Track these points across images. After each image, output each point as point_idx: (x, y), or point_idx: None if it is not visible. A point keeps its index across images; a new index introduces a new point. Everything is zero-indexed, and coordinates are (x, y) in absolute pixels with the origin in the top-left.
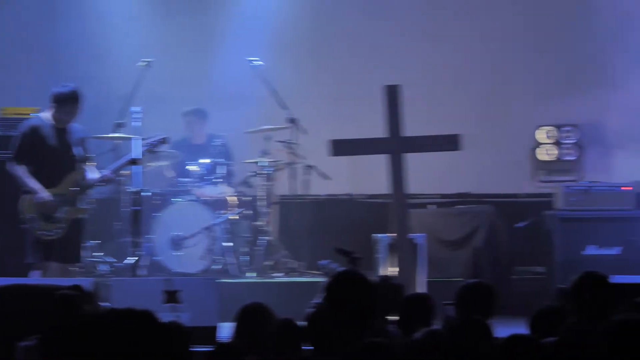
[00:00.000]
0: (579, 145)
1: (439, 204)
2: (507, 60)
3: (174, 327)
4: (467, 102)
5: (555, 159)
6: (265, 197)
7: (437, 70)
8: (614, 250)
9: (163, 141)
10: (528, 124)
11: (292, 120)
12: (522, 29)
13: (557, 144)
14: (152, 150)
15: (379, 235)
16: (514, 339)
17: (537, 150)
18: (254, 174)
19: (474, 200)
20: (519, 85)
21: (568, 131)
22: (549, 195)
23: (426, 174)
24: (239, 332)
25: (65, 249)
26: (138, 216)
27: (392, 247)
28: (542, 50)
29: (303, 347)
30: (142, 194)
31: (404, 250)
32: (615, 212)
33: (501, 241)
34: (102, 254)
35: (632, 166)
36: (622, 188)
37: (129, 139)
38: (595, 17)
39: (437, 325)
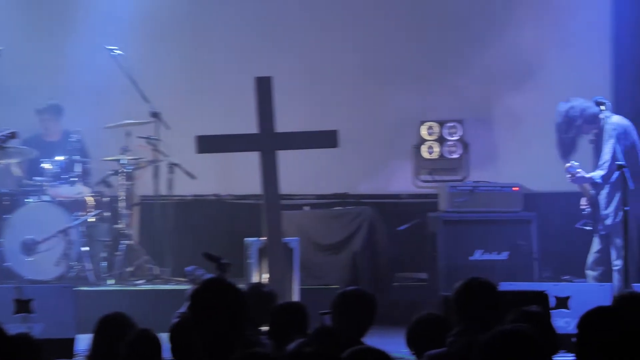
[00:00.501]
0: (463, 143)
1: (315, 206)
2: (391, 53)
3: (22, 340)
4: (346, 96)
5: (438, 156)
6: (125, 198)
7: (315, 63)
8: (502, 255)
9: (11, 136)
10: (412, 120)
11: (155, 115)
12: (405, 20)
13: (441, 140)
14: None
15: (250, 239)
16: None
17: (421, 148)
18: (114, 172)
19: (352, 202)
20: (403, 78)
21: (452, 127)
22: (432, 196)
23: (301, 173)
24: (97, 344)
25: None
26: None
27: (264, 252)
28: (426, 43)
29: None
30: None
31: (276, 255)
32: (502, 214)
33: (381, 245)
34: None
35: (519, 165)
36: (511, 188)
37: None
38: (479, 11)
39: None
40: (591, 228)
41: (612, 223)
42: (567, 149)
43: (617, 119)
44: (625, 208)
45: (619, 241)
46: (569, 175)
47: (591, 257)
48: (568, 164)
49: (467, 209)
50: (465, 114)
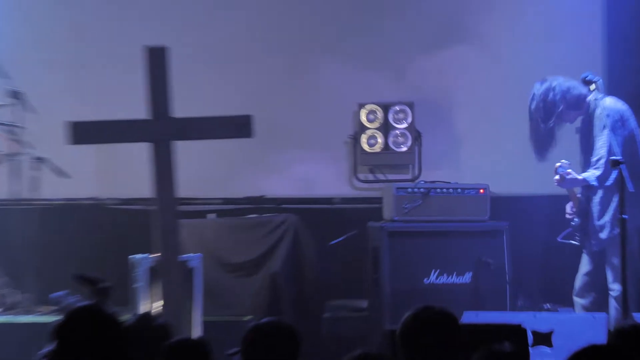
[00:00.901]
0: (414, 132)
1: (223, 213)
2: (321, 22)
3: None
4: (265, 76)
5: (382, 149)
6: None
7: (227, 37)
8: (464, 278)
9: None
10: (348, 104)
11: (16, 95)
12: None
13: (385, 129)
14: None
15: (137, 255)
16: None
17: (361, 139)
18: None
19: (271, 208)
20: (337, 52)
21: (399, 112)
22: (374, 200)
23: (205, 171)
24: None
25: None
26: None
27: (156, 273)
28: (366, 11)
29: None
30: None
31: (172, 277)
32: (465, 224)
33: (309, 264)
34: None
35: (486, 161)
36: (476, 191)
37: None
38: None
39: None
40: (579, 243)
41: (608, 237)
42: (544, 143)
43: (611, 102)
44: (623, 217)
45: (616, 260)
46: (558, 178)
47: (580, 280)
48: (558, 164)
49: (420, 217)
50: (418, 96)
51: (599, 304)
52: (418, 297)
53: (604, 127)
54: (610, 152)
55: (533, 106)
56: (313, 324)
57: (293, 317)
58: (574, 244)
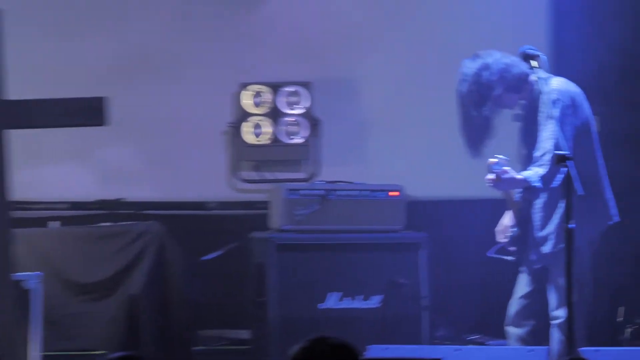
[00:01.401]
0: (310, 119)
1: (68, 220)
2: None
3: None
4: (122, 51)
5: (270, 141)
6: None
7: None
8: (371, 302)
9: None
10: (228, 83)
11: None
12: None
13: (274, 115)
14: None
15: None
16: None
17: (243, 128)
18: None
19: (129, 214)
20: (212, 26)
21: (292, 94)
22: (260, 205)
23: (47, 169)
24: None
25: None
26: None
27: None
28: None
29: None
30: None
31: (1, 301)
32: (373, 235)
33: (176, 285)
34: None
35: (400, 157)
36: (387, 194)
37: None
38: None
39: None
40: (514, 258)
41: (552, 251)
42: (478, 135)
43: (560, 84)
44: (569, 226)
45: (561, 280)
46: (492, 177)
47: (515, 305)
48: (492, 159)
49: (316, 226)
50: (316, 74)
51: (539, 334)
52: (313, 326)
53: (550, 114)
54: (557, 145)
55: (464, 89)
56: (181, 358)
57: (156, 351)
58: (508, 260)
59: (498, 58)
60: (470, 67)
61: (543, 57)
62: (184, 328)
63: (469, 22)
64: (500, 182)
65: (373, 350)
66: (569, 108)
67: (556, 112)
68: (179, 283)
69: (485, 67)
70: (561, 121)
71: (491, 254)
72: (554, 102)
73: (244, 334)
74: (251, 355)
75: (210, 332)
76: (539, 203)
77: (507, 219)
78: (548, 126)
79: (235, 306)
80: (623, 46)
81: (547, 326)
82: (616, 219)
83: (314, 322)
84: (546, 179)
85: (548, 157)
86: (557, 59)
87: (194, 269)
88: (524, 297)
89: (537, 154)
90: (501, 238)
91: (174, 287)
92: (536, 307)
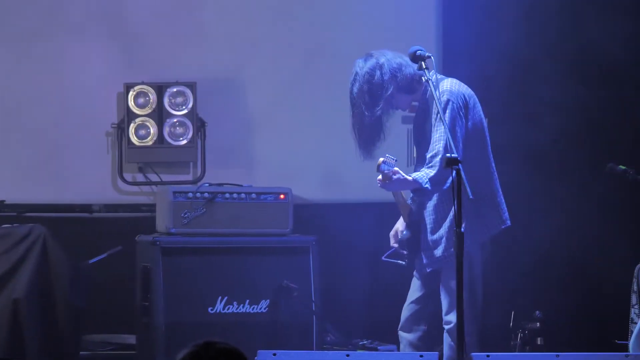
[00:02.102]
0: (196, 120)
1: None
2: None
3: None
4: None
5: (154, 143)
6: None
7: None
8: (259, 307)
9: None
10: (112, 83)
11: None
12: None
13: (159, 116)
14: None
15: None
16: None
17: (129, 129)
18: None
19: (10, 217)
20: (96, 25)
21: (177, 94)
22: (145, 207)
23: None
24: None
25: None
26: None
27: None
28: None
29: None
30: None
31: None
32: (261, 238)
33: (61, 289)
34: None
35: (271, 160)
36: (276, 196)
37: None
38: None
39: None
40: (405, 262)
41: (444, 255)
42: (370, 136)
43: (453, 85)
44: (459, 230)
45: (452, 285)
46: (381, 178)
47: (407, 309)
48: (381, 159)
49: (203, 229)
50: (201, 74)
51: (431, 340)
52: (201, 331)
53: (442, 116)
54: (447, 147)
55: (355, 89)
56: None
57: (40, 356)
58: (400, 264)
59: (390, 58)
60: (362, 67)
61: (431, 58)
62: (69, 333)
63: (357, 22)
64: (390, 182)
65: (262, 355)
66: (461, 110)
67: (447, 113)
68: (64, 287)
69: (378, 67)
70: (452, 123)
71: (385, 258)
72: (446, 104)
73: (130, 339)
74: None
75: (96, 337)
76: (430, 206)
77: (401, 223)
78: (439, 128)
79: (121, 311)
80: (512, 54)
81: (441, 331)
82: (508, 223)
83: (202, 326)
84: (436, 181)
85: (438, 159)
86: (445, 64)
87: (79, 272)
88: (415, 302)
89: (428, 154)
90: (394, 242)
91: (58, 291)
92: (428, 311)
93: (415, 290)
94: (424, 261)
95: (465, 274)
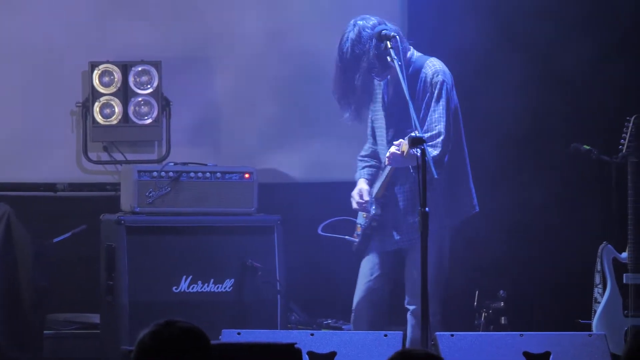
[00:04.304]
0: (161, 99)
1: None
2: None
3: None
4: None
5: (119, 122)
6: None
7: None
8: (224, 286)
9: None
10: (75, 62)
11: None
12: None
13: (124, 95)
14: None
15: None
16: None
17: (94, 108)
18: None
19: None
20: (61, 4)
21: (142, 73)
22: (110, 186)
23: None
24: None
25: None
26: None
27: None
28: None
29: None
30: None
31: None
32: (225, 217)
33: (25, 268)
34: None
35: (252, 136)
36: (241, 176)
37: None
38: None
39: None
40: (358, 240)
41: (410, 235)
42: (362, 97)
43: (441, 65)
44: (424, 209)
45: (417, 265)
46: (397, 151)
47: (362, 290)
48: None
49: (168, 208)
50: (166, 53)
51: (395, 319)
52: (165, 311)
53: (440, 95)
54: (448, 128)
55: (346, 49)
56: (31, 345)
57: (4, 335)
58: (350, 240)
59: (375, 24)
60: (352, 29)
61: (397, 37)
62: (33, 312)
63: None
64: (406, 157)
65: (226, 334)
66: (452, 89)
67: (443, 94)
68: (28, 265)
69: (365, 28)
70: (447, 104)
71: (349, 237)
72: (441, 84)
73: (94, 318)
74: (101, 339)
75: (61, 316)
76: (405, 187)
77: (364, 184)
78: (437, 108)
79: (86, 290)
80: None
81: (398, 312)
82: (477, 209)
83: (167, 306)
84: (437, 160)
85: (440, 139)
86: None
87: (44, 251)
88: (372, 281)
89: (427, 134)
90: (359, 200)
91: (22, 270)
92: (384, 291)
93: (371, 270)
94: (396, 238)
95: (435, 255)
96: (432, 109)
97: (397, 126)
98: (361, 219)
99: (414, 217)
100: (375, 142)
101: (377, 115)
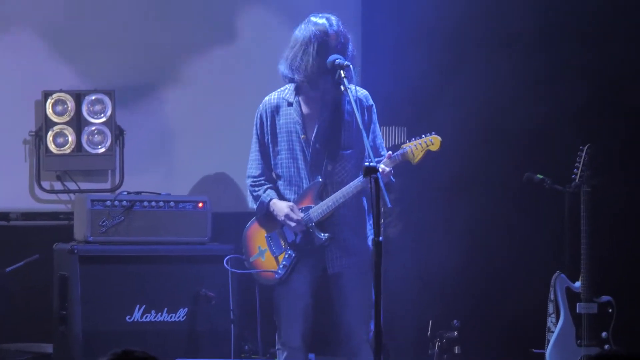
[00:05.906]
0: (115, 128)
1: None
2: None
3: None
4: None
5: (73, 150)
6: None
7: None
8: (177, 315)
9: None
10: (30, 91)
11: None
12: None
13: (78, 124)
14: None
15: None
16: None
17: (47, 137)
18: None
19: None
20: (15, 33)
21: (96, 102)
22: (64, 215)
23: None
24: None
25: None
26: None
27: None
28: None
29: None
30: None
31: None
32: (178, 246)
33: None
34: None
35: (208, 166)
36: (195, 205)
37: None
38: None
39: None
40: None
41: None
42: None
43: (364, 90)
44: (377, 239)
45: (367, 293)
46: (388, 170)
47: (299, 324)
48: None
49: (121, 237)
50: (120, 81)
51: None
52: (118, 340)
53: (375, 119)
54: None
55: (339, 29)
56: None
57: None
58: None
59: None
60: (337, 22)
61: (351, 67)
62: None
63: (277, 28)
64: (388, 173)
65: None
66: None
67: (374, 117)
68: None
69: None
70: (377, 127)
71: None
72: (372, 107)
73: (48, 348)
74: None
75: (12, 346)
76: (354, 207)
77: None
78: (377, 130)
79: (38, 319)
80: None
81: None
82: None
83: (120, 335)
84: (392, 185)
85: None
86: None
87: None
88: (306, 316)
89: (383, 151)
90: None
91: None
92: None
93: (303, 301)
94: (341, 262)
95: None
96: (376, 133)
97: (329, 143)
98: (279, 247)
99: (357, 240)
100: (270, 163)
101: (292, 137)
